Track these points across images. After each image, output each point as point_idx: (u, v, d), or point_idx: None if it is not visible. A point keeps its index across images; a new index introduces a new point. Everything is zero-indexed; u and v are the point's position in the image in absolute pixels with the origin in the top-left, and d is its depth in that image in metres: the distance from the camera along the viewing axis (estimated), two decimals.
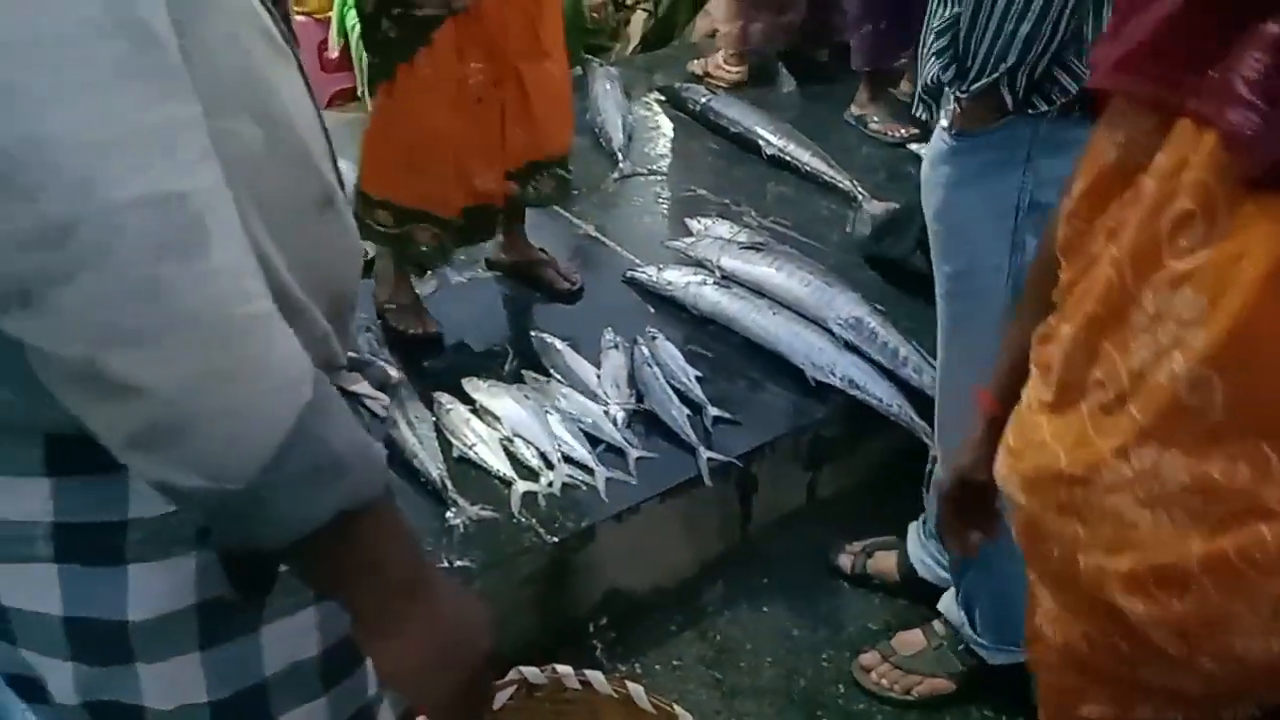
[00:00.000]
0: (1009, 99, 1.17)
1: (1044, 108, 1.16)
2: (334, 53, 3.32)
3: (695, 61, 3.16)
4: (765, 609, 1.82)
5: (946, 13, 1.20)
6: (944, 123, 1.26)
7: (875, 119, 2.87)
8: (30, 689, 0.70)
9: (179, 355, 0.52)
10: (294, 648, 0.71)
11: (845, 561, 1.86)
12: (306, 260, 0.68)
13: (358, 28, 2.92)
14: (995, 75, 1.15)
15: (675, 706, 1.09)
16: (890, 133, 2.84)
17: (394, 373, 0.84)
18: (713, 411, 1.90)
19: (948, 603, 1.62)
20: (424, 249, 1.97)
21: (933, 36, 1.23)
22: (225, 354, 0.54)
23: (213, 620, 0.67)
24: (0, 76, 0.48)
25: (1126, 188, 0.71)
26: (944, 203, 1.27)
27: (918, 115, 1.33)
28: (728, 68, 3.09)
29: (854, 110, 2.92)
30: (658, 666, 1.71)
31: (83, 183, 0.49)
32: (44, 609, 0.65)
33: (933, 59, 1.22)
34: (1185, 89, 0.65)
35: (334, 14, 3.18)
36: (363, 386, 0.77)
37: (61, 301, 0.50)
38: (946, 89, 1.23)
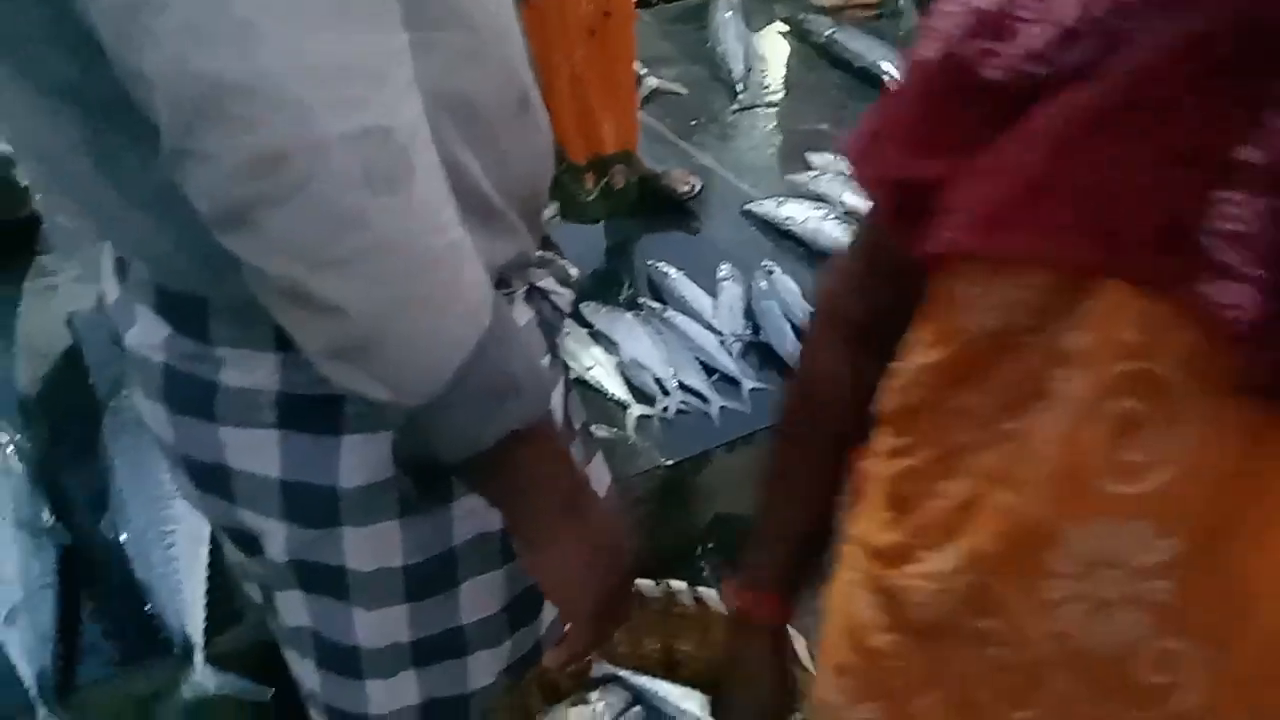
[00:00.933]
0: None
1: None
2: None
3: None
4: None
5: None
6: None
7: None
8: (248, 544, 0.77)
9: (378, 281, 0.55)
10: (481, 521, 0.76)
11: None
12: (504, 162, 0.70)
13: None
14: None
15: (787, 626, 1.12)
16: None
17: (573, 270, 0.86)
18: None
19: None
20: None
21: None
22: (419, 282, 0.57)
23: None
24: (217, 11, 0.50)
25: (999, 366, 0.53)
26: None
27: None
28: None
29: None
30: None
31: (298, 116, 0.51)
32: (265, 471, 0.71)
33: None
34: (1125, 253, 0.46)
35: None
36: (548, 282, 0.80)
37: (272, 225, 0.53)
38: None
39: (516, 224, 0.74)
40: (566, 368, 0.82)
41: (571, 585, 0.70)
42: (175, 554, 1.33)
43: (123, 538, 1.37)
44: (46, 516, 1.41)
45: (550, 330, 0.80)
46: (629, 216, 2.13)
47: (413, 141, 0.56)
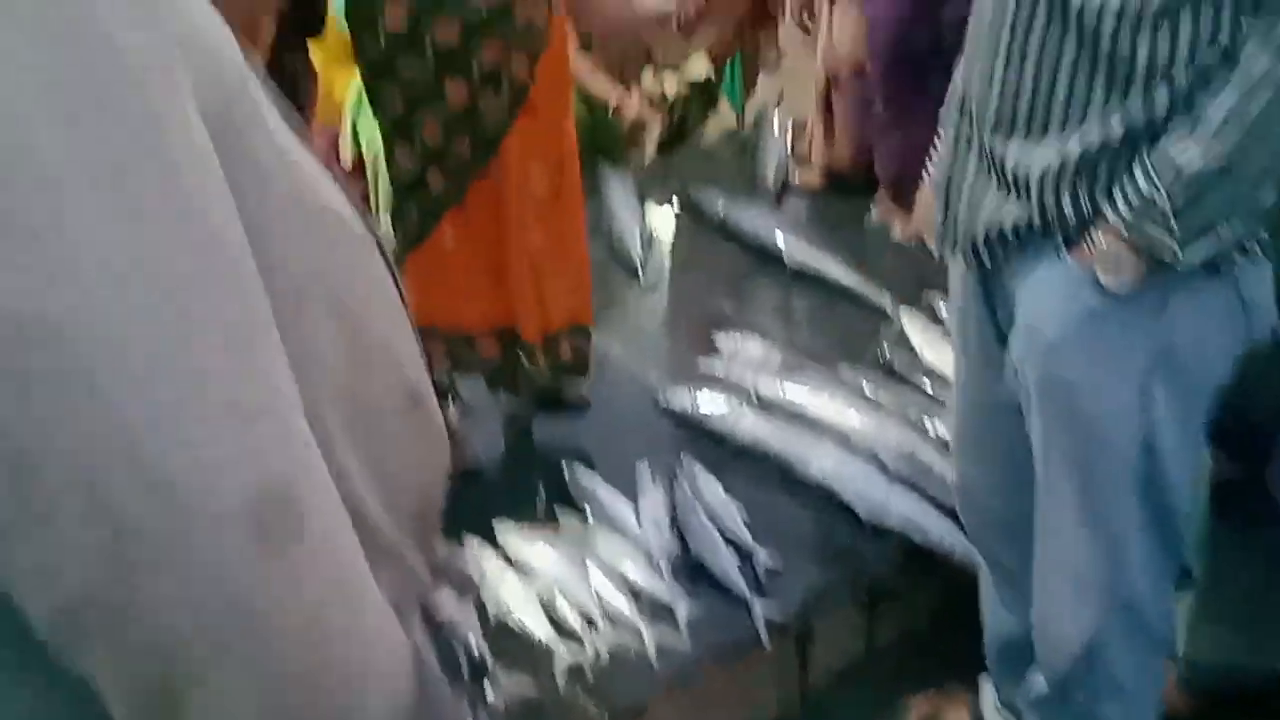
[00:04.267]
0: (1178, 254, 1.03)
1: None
2: (347, 162, 3.24)
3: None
4: None
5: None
6: (1079, 282, 1.10)
7: (899, 225, 2.81)
8: None
9: (268, 673, 0.44)
10: None
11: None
12: (386, 470, 0.60)
13: (375, 145, 2.86)
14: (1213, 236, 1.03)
15: None
16: (915, 239, 2.77)
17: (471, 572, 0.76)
18: (763, 558, 1.76)
19: None
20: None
21: (1077, 156, 1.07)
22: (324, 666, 0.46)
23: None
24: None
25: None
26: (1078, 370, 1.15)
27: (981, 261, 1.21)
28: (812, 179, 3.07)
29: (875, 216, 2.86)
30: None
31: (160, 483, 0.40)
32: None
33: (1076, 188, 1.08)
34: None
35: (345, 123, 3.11)
36: (450, 607, 0.70)
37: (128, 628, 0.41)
38: (1119, 236, 1.05)
39: (406, 549, 0.63)
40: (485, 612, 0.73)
41: None
42: None
43: None
44: None
45: (452, 668, 0.70)
46: (569, 405, 2.03)
47: (301, 473, 0.46)
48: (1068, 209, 1.10)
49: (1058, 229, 1.11)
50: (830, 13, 2.85)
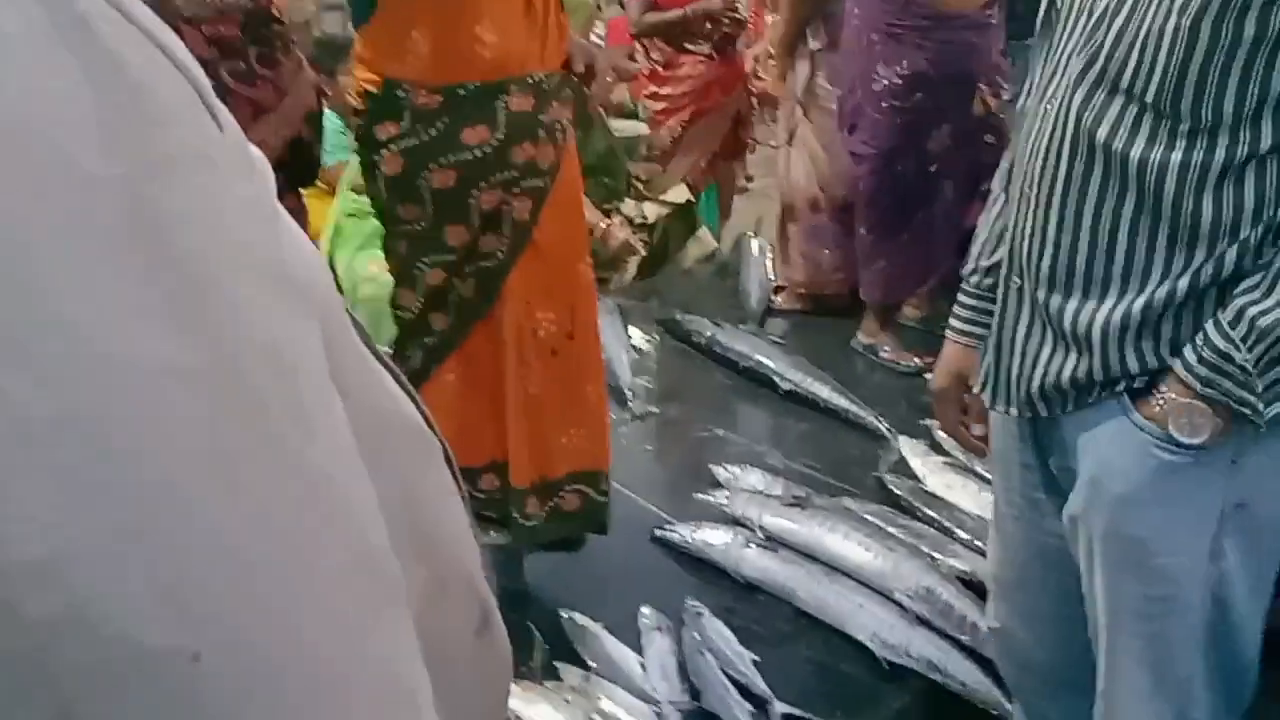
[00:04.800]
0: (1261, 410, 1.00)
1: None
2: None
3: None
4: None
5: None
6: (1151, 437, 1.06)
7: (886, 348, 2.80)
8: None
9: None
10: None
11: None
12: (455, 705, 0.53)
13: (351, 277, 2.82)
14: None
15: None
16: (902, 361, 2.77)
17: None
18: (780, 708, 1.66)
19: None
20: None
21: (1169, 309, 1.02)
22: None
23: None
24: None
25: None
26: (1149, 525, 1.10)
27: (1027, 414, 1.17)
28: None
29: (862, 338, 2.85)
30: None
31: None
32: None
33: (1141, 344, 1.04)
34: None
35: (322, 252, 3.08)
36: None
37: None
38: (1198, 394, 1.01)
39: None
40: None
41: None
42: None
43: None
44: None
45: None
46: (562, 546, 1.91)
47: None
48: (1132, 365, 1.07)
49: (1123, 383, 1.08)
50: (788, 151, 2.93)
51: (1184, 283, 1.03)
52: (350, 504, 0.36)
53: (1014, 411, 1.17)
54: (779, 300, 3.13)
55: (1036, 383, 1.13)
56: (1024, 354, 1.14)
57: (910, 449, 2.28)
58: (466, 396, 1.70)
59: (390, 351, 1.79)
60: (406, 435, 0.53)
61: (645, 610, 1.84)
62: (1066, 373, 1.10)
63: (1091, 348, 1.08)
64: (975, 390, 1.25)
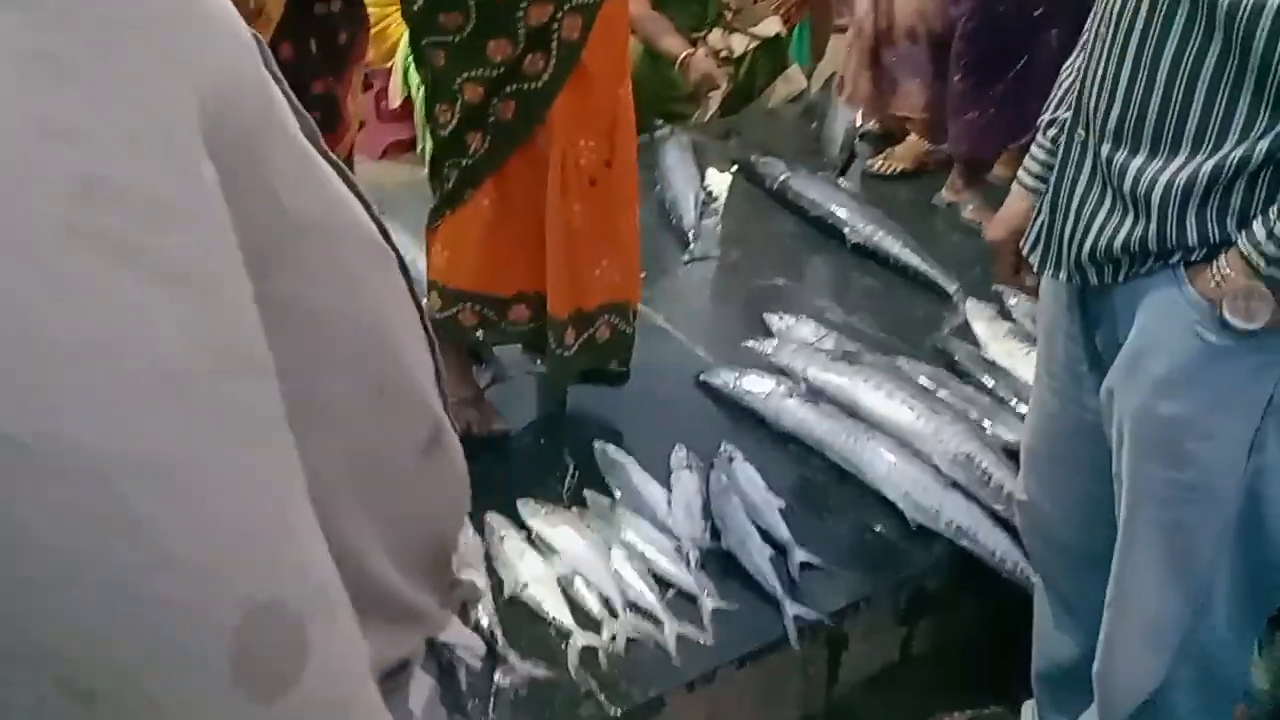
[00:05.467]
0: None
1: None
2: (395, 103, 3.17)
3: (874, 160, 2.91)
4: None
5: None
6: (1200, 316, 0.97)
7: (970, 206, 2.64)
8: None
9: None
10: None
11: None
12: (402, 525, 0.54)
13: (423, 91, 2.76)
14: None
15: None
16: (985, 222, 2.61)
17: (480, 582, 0.70)
18: (800, 556, 1.66)
19: None
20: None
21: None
22: None
23: None
24: None
25: None
26: (1186, 408, 1.02)
27: (1077, 280, 1.07)
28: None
29: (945, 195, 2.69)
30: None
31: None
32: None
33: (1206, 212, 0.94)
34: None
35: (397, 64, 3.02)
36: (453, 632, 0.62)
37: None
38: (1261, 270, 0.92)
39: (425, 603, 0.57)
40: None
41: None
42: None
43: None
44: None
45: (454, 696, 0.63)
46: (605, 379, 1.91)
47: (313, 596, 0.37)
48: (1192, 234, 0.96)
49: (1179, 254, 0.98)
50: None
51: (1263, 146, 0.91)
52: (210, 303, 0.34)
53: (1062, 276, 1.08)
54: (878, 164, 2.92)
55: (1089, 247, 1.03)
56: (1079, 215, 1.04)
57: (976, 313, 2.17)
58: (500, 224, 1.66)
59: (426, 169, 1.75)
60: (351, 239, 0.51)
61: (679, 449, 1.85)
62: (1120, 237, 1.00)
63: (1150, 211, 0.97)
64: (1024, 251, 1.16)
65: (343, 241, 0.49)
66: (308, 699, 0.36)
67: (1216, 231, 0.96)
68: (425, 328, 0.60)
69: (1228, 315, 0.95)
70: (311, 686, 0.36)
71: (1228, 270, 0.94)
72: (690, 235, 2.55)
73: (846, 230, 2.52)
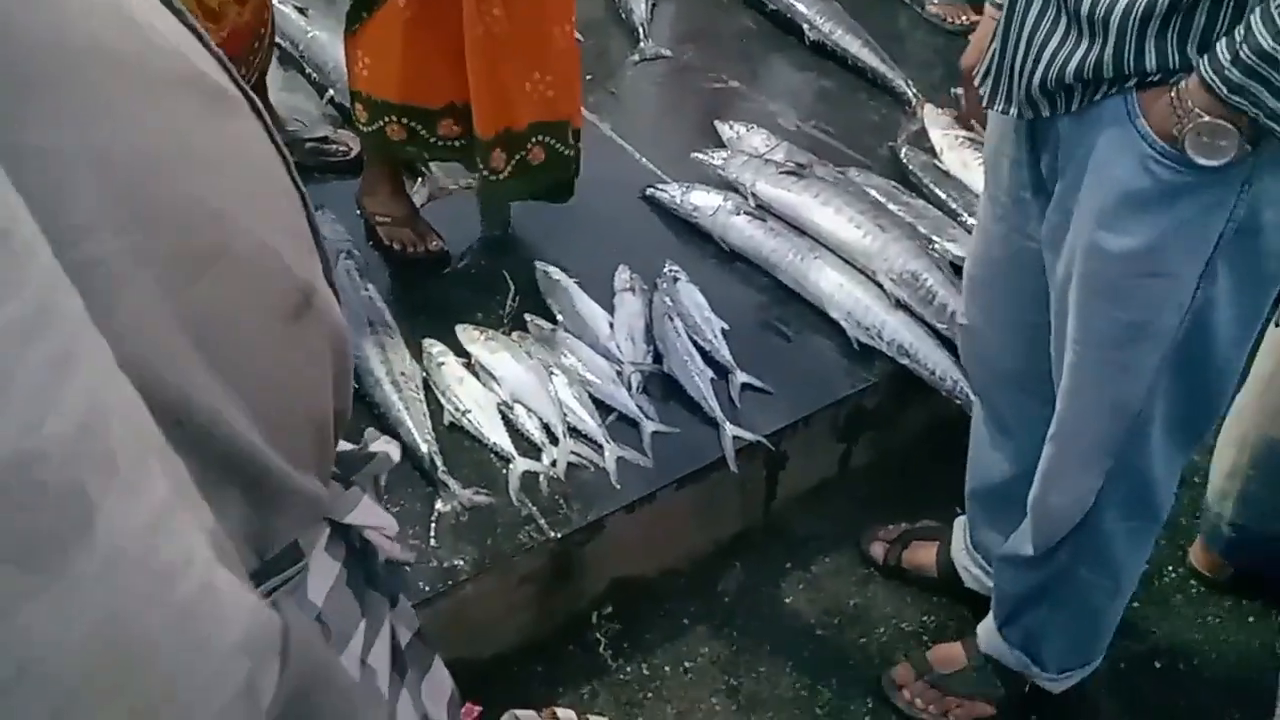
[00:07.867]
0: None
1: None
2: None
3: None
4: (788, 600, 1.66)
5: None
6: (1152, 150, 0.91)
7: (935, 1, 2.48)
8: None
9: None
10: None
11: (878, 551, 1.67)
12: (270, 396, 0.51)
13: None
14: None
15: None
16: (950, 18, 2.46)
17: (394, 453, 0.67)
18: (741, 378, 1.66)
19: (992, 640, 1.44)
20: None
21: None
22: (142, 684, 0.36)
23: None
24: None
25: None
26: (1135, 244, 0.97)
27: (1027, 114, 1.00)
28: None
29: None
30: (666, 669, 1.55)
31: None
32: None
33: (1166, 34, 0.87)
34: None
35: None
36: (360, 512, 0.60)
37: None
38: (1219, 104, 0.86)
39: (307, 483, 0.54)
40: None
41: None
42: None
43: None
44: None
45: (365, 573, 0.61)
46: (547, 196, 1.82)
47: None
48: (1151, 59, 0.88)
49: (1134, 79, 0.90)
50: None
51: None
52: None
53: (1013, 111, 1.01)
54: None
55: (1039, 76, 0.96)
56: (1029, 43, 0.96)
57: (933, 119, 2.08)
58: (420, 27, 1.52)
59: None
60: (182, 85, 0.46)
61: (622, 270, 1.80)
62: (1074, 63, 0.92)
63: (1108, 34, 0.89)
64: (975, 82, 1.08)
65: (174, 92, 0.44)
66: (105, 563, 0.33)
67: (1176, 56, 0.88)
68: (294, 181, 0.54)
69: (1190, 151, 0.88)
70: (105, 550, 0.34)
71: (1188, 102, 0.87)
72: (640, 31, 2.38)
73: (805, 27, 2.36)
